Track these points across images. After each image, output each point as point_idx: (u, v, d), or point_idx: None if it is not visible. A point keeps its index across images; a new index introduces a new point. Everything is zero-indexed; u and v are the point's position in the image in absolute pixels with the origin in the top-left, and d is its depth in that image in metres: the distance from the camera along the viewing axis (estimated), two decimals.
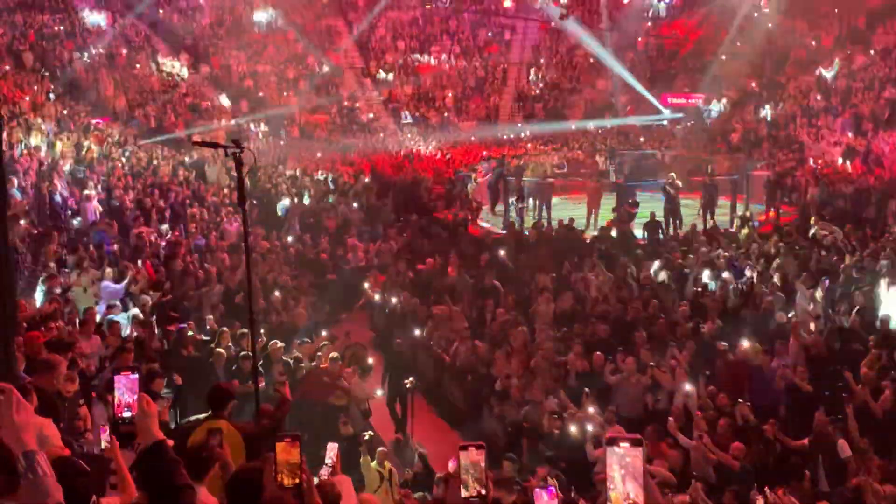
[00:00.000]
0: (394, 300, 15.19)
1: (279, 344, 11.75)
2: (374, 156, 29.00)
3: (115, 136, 25.10)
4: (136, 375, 3.47)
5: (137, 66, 31.33)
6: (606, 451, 2.59)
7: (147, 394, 3.45)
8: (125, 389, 3.43)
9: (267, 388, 9.56)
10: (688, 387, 11.15)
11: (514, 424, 11.17)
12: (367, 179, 24.65)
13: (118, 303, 12.59)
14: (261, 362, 10.47)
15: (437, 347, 13.56)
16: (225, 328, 12.38)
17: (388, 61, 37.57)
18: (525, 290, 15.50)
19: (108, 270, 13.86)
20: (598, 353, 12.12)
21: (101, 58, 30.47)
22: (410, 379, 12.15)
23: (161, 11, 34.65)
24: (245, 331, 11.47)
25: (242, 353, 11.06)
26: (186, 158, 24.97)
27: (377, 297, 15.85)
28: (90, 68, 29.43)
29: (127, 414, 3.42)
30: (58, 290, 12.21)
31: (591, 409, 10.69)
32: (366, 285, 16.24)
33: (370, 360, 12.36)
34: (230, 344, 11.91)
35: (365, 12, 38.07)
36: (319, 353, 11.79)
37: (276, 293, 14.71)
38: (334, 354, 11.56)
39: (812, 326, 13.14)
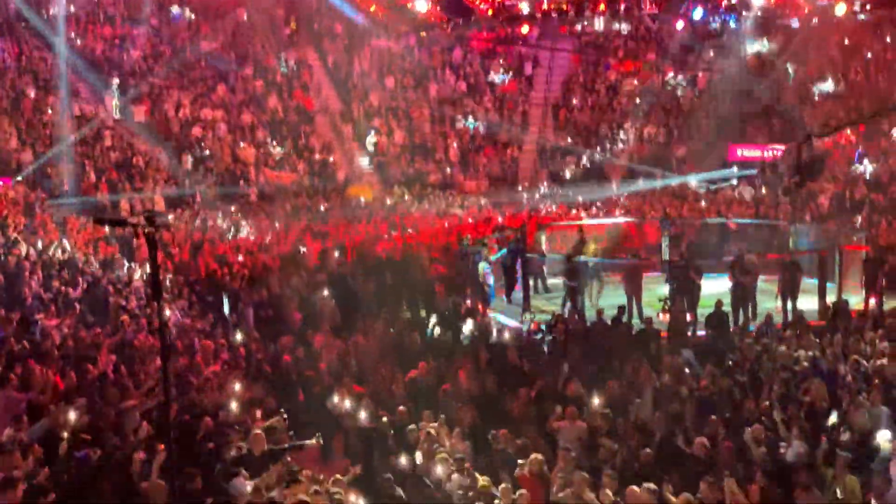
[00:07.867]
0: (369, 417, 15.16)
1: None
2: (354, 225, 29.26)
3: (18, 202, 25.49)
4: None
5: (49, 111, 31.96)
6: None
7: None
8: None
9: None
10: None
11: None
12: (337, 254, 24.73)
13: None
14: None
15: (431, 480, 13.52)
16: None
17: (374, 104, 38.32)
18: (544, 404, 15.60)
19: None
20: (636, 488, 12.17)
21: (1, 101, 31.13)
22: None
23: (80, 41, 35.37)
24: None
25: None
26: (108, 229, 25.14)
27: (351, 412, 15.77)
28: None
29: None
30: None
31: None
32: (335, 398, 16.23)
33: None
34: None
35: (344, 40, 38.91)
36: (274, 495, 11.73)
37: (234, 405, 14.78)
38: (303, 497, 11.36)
39: None
